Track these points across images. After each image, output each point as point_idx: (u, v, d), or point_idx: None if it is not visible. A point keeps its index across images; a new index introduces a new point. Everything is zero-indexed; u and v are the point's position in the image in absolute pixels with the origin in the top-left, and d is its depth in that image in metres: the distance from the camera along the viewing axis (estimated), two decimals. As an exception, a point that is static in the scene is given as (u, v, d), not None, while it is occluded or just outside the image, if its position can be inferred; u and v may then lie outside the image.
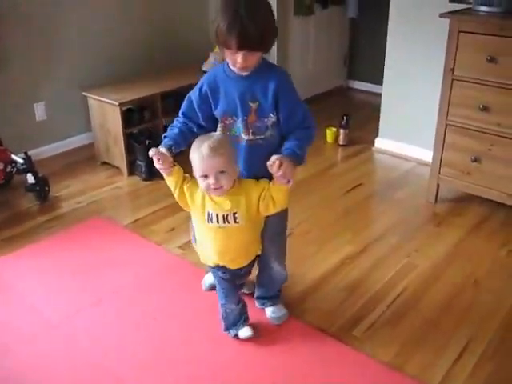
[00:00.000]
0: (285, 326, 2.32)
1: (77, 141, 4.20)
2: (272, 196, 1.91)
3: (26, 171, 3.31)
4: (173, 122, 2.08)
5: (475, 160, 3.09)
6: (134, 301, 2.51)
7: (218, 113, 1.99)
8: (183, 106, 2.08)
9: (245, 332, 2.23)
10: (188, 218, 2.27)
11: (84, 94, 3.80)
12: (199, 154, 1.82)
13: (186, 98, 2.07)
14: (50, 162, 3.88)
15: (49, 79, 3.92)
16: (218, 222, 1.94)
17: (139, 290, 2.58)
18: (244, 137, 1.98)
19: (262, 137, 1.97)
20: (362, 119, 4.69)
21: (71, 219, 3.23)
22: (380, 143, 4.18)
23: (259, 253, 2.15)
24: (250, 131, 1.96)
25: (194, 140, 1.93)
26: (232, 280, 2.15)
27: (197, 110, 2.02)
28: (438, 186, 3.34)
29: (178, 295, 2.53)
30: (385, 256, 2.83)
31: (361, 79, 5.65)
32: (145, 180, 3.67)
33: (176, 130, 2.03)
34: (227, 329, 2.26)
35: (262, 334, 2.26)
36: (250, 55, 1.80)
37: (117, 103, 3.57)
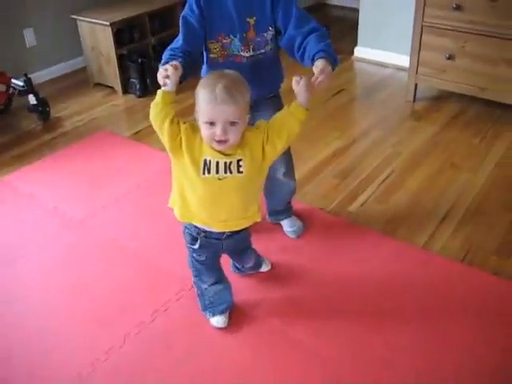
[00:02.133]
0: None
1: (69, 65, 4.33)
2: (281, 127, 1.66)
3: (27, 92, 3.46)
4: (167, 47, 1.84)
5: (449, 58, 3.34)
6: (148, 197, 2.76)
7: (212, 30, 1.89)
8: (181, 33, 1.88)
9: (217, 321, 1.99)
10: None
11: (73, 16, 3.90)
12: (211, 94, 1.51)
13: (181, 21, 1.89)
14: (44, 87, 3.99)
15: (36, 4, 3.99)
16: (217, 171, 1.62)
17: (149, 189, 2.83)
18: (244, 54, 1.91)
19: (263, 51, 1.92)
20: (341, 32, 4.86)
21: (75, 135, 3.43)
22: (359, 52, 4.39)
23: (258, 220, 1.83)
24: (251, 47, 1.90)
25: (192, 74, 1.80)
26: (212, 257, 1.91)
27: (197, 27, 1.87)
28: (416, 85, 3.59)
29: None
30: (371, 147, 3.12)
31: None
32: (139, 97, 3.85)
33: (179, 59, 1.72)
34: (204, 309, 2.02)
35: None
36: None
37: (108, 23, 3.69)
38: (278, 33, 1.93)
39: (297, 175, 2.44)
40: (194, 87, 1.58)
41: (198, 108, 1.56)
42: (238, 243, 1.92)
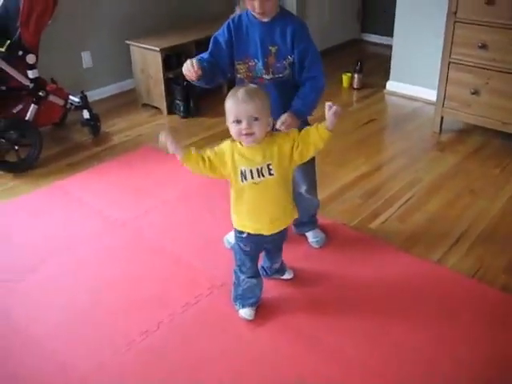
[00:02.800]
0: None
1: (120, 86, 4.70)
2: (309, 140, 1.93)
3: (82, 108, 3.81)
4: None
5: (474, 93, 3.55)
6: (185, 207, 3.03)
7: (240, 53, 2.19)
8: (209, 48, 2.21)
9: (245, 313, 2.21)
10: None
11: (127, 42, 4.27)
12: (235, 98, 1.85)
13: (212, 40, 2.21)
14: (96, 105, 4.31)
15: (94, 30, 4.38)
16: (252, 177, 1.93)
17: (187, 200, 3.09)
18: (266, 77, 2.20)
19: (281, 75, 2.20)
20: (375, 67, 5.10)
21: (123, 149, 3.74)
22: (391, 86, 4.62)
23: (296, 216, 2.14)
24: (270, 71, 2.18)
25: (214, 83, 2.22)
26: (255, 249, 2.15)
27: (224, 48, 2.18)
28: (442, 118, 3.80)
29: (221, 201, 3.02)
30: (395, 173, 3.33)
31: (373, 32, 6.04)
32: (183, 117, 4.17)
33: (204, 63, 2.11)
34: (235, 299, 2.26)
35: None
36: (266, 1, 2.05)
37: (158, 49, 4.04)
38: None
39: (323, 194, 2.68)
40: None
41: (227, 117, 1.89)
42: (281, 239, 2.20)
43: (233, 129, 1.88)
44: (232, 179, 1.98)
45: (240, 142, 1.93)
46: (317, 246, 2.65)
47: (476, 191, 3.12)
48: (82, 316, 2.28)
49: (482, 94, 3.53)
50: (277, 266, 2.37)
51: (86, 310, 2.31)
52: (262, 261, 2.37)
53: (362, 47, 6.03)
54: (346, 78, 4.71)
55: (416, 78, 4.42)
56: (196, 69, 2.00)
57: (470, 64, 3.50)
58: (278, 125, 2.02)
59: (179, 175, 3.36)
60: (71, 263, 2.60)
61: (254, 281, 2.21)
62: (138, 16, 4.59)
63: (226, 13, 4.73)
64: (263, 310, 2.26)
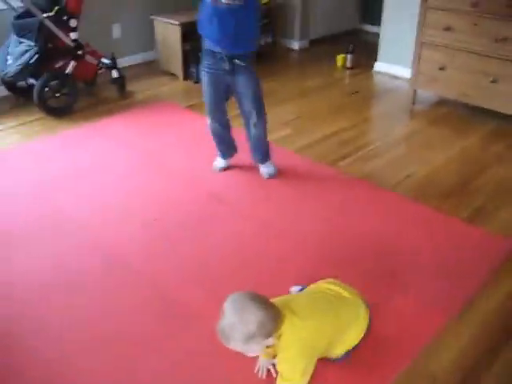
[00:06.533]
0: (293, 161, 3.50)
1: (143, 56, 5.44)
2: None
3: (112, 68, 4.53)
4: None
5: (441, 68, 4.21)
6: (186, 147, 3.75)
7: None
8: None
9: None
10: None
11: (151, 17, 5.00)
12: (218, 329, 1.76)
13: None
14: (122, 71, 5.04)
15: (123, 5, 5.11)
16: None
17: (186, 142, 3.81)
18: (224, 1, 2.67)
19: (237, 3, 2.68)
20: (369, 52, 5.74)
21: (145, 102, 4.49)
22: (378, 66, 5.30)
23: None
24: None
25: None
26: None
27: None
28: (415, 90, 4.47)
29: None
30: (372, 130, 4.01)
31: (371, 23, 6.69)
32: (195, 82, 4.88)
33: None
34: None
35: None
36: None
37: (178, 23, 4.76)
38: None
39: (302, 142, 3.49)
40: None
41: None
42: None
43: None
44: None
45: None
46: (266, 177, 3.24)
47: (431, 147, 3.77)
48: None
49: (448, 69, 4.19)
50: None
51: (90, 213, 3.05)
52: None
53: (361, 36, 6.69)
54: (340, 58, 5.38)
55: (399, 59, 5.07)
56: None
57: (438, 44, 4.17)
58: None
59: (190, 121, 4.10)
60: (103, 182, 3.33)
61: None
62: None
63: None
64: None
